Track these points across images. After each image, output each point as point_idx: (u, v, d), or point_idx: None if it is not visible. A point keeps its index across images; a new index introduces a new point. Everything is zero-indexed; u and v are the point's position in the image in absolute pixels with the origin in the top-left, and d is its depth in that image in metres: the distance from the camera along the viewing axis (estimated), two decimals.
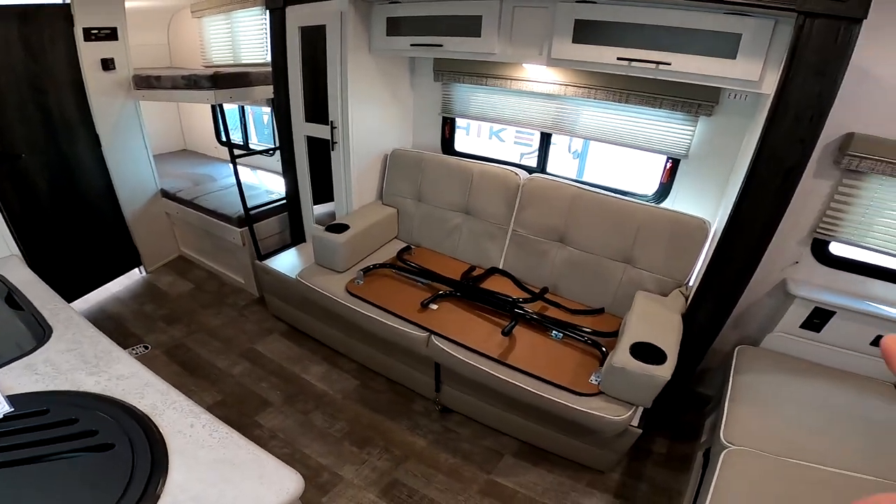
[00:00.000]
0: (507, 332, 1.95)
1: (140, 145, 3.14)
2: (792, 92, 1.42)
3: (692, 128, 2.08)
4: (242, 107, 3.78)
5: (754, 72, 1.55)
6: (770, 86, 1.52)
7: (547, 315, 2.16)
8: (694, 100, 1.98)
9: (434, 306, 2.16)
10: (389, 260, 2.54)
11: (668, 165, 2.23)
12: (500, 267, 2.51)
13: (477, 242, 2.58)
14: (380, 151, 2.78)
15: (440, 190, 2.64)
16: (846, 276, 1.95)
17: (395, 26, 2.26)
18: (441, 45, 2.13)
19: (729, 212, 1.65)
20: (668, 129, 2.14)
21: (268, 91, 2.77)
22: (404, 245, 2.75)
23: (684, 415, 2.32)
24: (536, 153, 2.70)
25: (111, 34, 2.79)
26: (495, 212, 2.49)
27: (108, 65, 2.82)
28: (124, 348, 1.25)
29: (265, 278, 2.83)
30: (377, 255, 2.64)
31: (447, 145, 2.93)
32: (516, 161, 2.80)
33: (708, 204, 2.13)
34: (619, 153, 4.73)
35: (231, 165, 2.71)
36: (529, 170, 2.61)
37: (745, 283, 1.70)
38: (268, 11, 2.49)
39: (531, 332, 2.03)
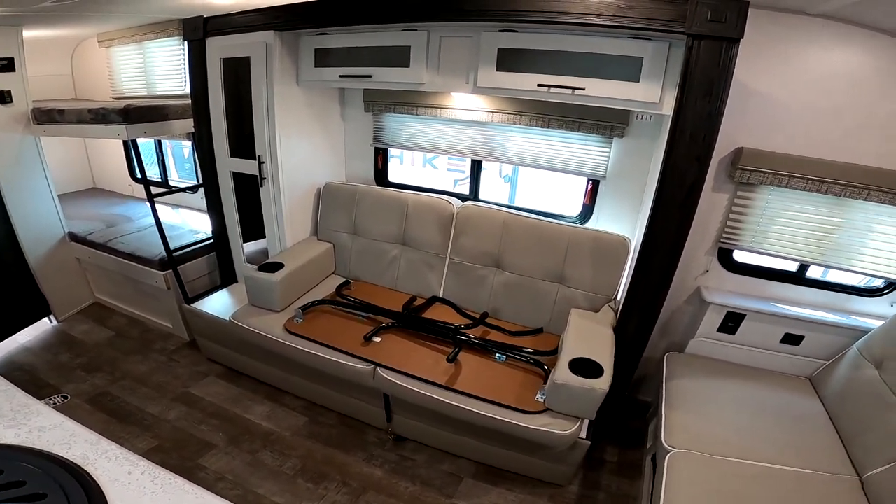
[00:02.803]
0: (451, 359, 1.96)
1: (42, 185, 2.86)
2: (686, 112, 1.54)
3: (608, 149, 2.24)
4: (159, 140, 3.57)
5: (655, 94, 1.68)
6: (669, 107, 1.63)
7: (489, 339, 2.19)
8: (607, 122, 2.14)
9: (377, 339, 2.13)
10: (328, 296, 2.48)
11: (590, 187, 2.38)
12: (441, 295, 2.52)
13: (416, 273, 2.57)
14: (312, 186, 2.73)
15: (376, 222, 2.63)
16: (751, 281, 2.16)
17: (324, 57, 2.25)
18: (370, 76, 2.14)
19: (644, 228, 1.78)
20: (587, 151, 2.29)
21: (188, 125, 2.64)
22: (343, 280, 2.69)
23: (629, 422, 2.41)
24: (469, 180, 2.78)
25: (7, 65, 2.57)
26: (431, 241, 2.51)
27: (3, 98, 2.59)
28: (40, 399, 1.12)
29: (196, 322, 2.65)
30: (315, 291, 2.57)
31: (380, 176, 2.93)
32: (450, 188, 2.85)
33: (627, 221, 2.29)
34: (546, 177, 4.99)
35: (148, 204, 2.53)
36: (462, 197, 2.68)
37: (665, 294, 1.82)
38: (186, 42, 2.41)
39: (475, 356, 2.06)
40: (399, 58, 2.05)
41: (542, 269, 2.27)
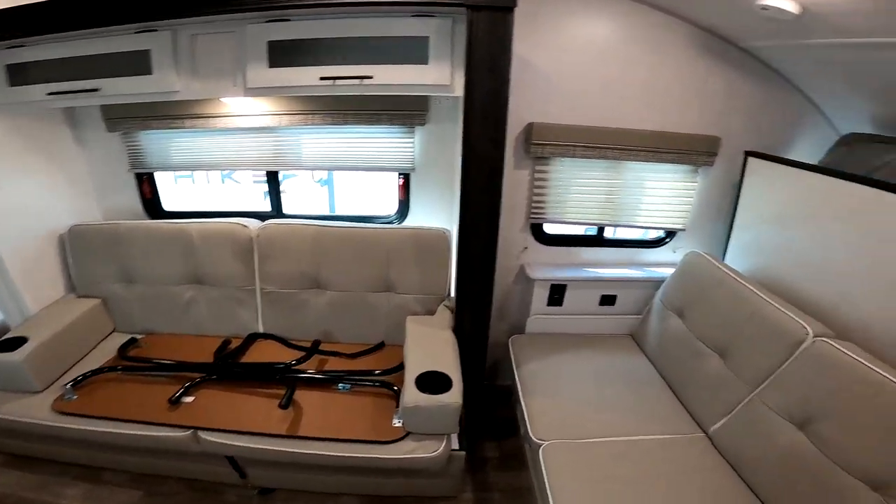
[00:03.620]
0: (285, 404, 1.67)
1: None
2: (475, 91, 1.48)
3: (412, 140, 2.12)
4: None
5: (445, 75, 1.60)
6: (461, 88, 1.55)
7: (327, 370, 1.93)
8: (407, 111, 2.01)
9: (188, 398, 1.77)
10: (109, 361, 1.96)
11: (402, 182, 2.24)
12: (261, 331, 2.14)
13: (223, 312, 2.14)
14: (49, 233, 2.06)
15: (155, 263, 2.11)
16: (563, 251, 2.27)
17: (22, 73, 1.73)
18: (98, 89, 1.69)
19: (458, 216, 1.69)
20: (391, 144, 2.13)
21: None
22: (128, 338, 2.11)
23: (498, 411, 2.34)
24: (268, 194, 2.41)
25: None
26: (232, 273, 2.10)
27: None
28: None
29: None
30: (91, 358, 2.01)
31: (152, 207, 2.36)
32: (261, 202, 2.44)
33: (445, 212, 2.21)
34: (362, 177, 4.79)
35: None
36: (263, 216, 2.29)
37: (491, 281, 1.77)
38: None
39: (316, 392, 1.81)
40: (137, 64, 1.65)
41: (366, 279, 2.06)
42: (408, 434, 1.61)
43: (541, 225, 2.21)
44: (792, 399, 1.42)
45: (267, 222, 2.12)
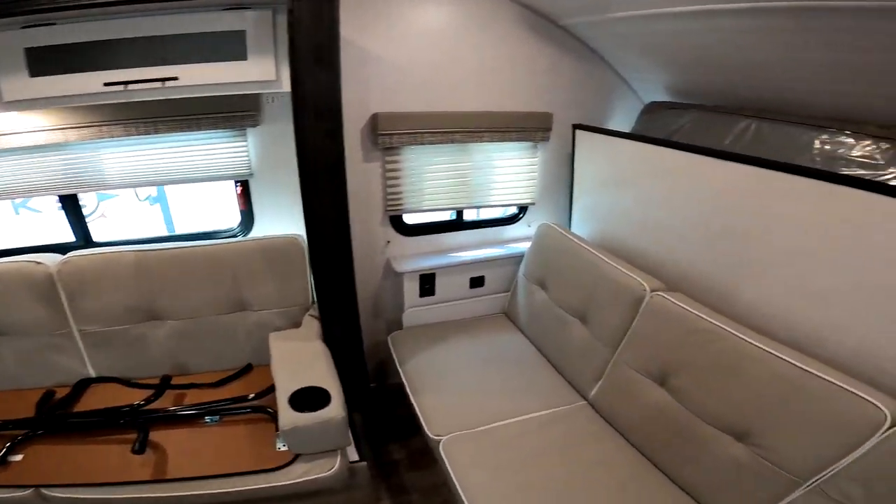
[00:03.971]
0: (139, 449, 1.44)
1: None
2: (304, 84, 1.37)
3: (244, 143, 1.91)
4: None
5: (269, 70, 1.48)
6: (288, 82, 1.44)
7: (188, 404, 1.71)
8: (234, 112, 1.80)
9: (16, 457, 1.49)
10: None
11: (240, 190, 2.02)
12: (94, 375, 1.82)
13: (38, 363, 1.77)
14: None
15: None
16: (427, 239, 2.26)
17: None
18: None
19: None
20: (220, 150, 1.90)
21: None
22: None
23: (397, 410, 2.20)
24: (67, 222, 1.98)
25: None
26: (34, 320, 1.71)
27: None
28: None
29: None
30: None
31: None
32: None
33: (295, 217, 2.03)
34: (204, 189, 4.28)
35: None
36: (64, 247, 1.89)
37: (352, 280, 1.69)
38: None
39: (180, 430, 1.61)
40: None
41: (213, 301, 1.83)
42: (297, 457, 1.48)
43: (401, 216, 2.17)
44: (646, 356, 1.57)
45: (68, 255, 1.75)
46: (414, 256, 2.20)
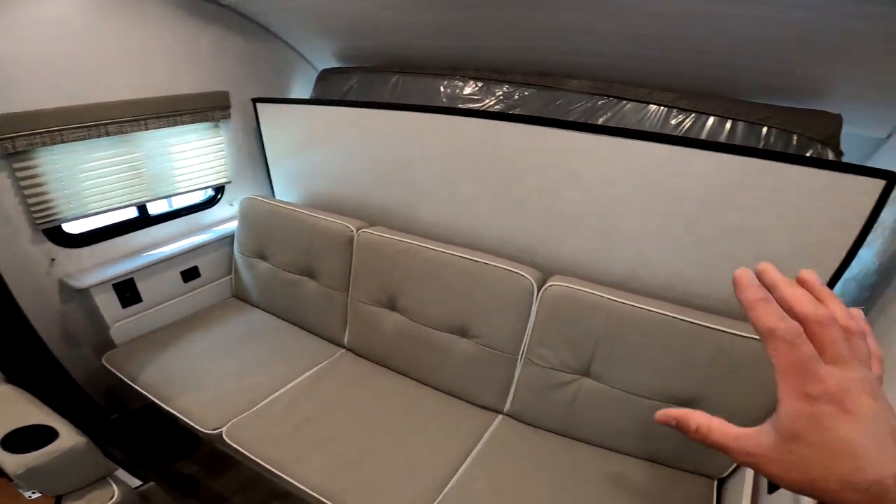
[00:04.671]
0: None
1: None
2: None
3: None
4: None
5: None
6: None
7: None
8: None
9: None
10: None
11: None
12: None
13: None
14: None
15: None
16: (110, 244, 1.94)
17: None
18: None
19: None
20: None
21: None
22: None
23: (160, 429, 2.00)
24: None
25: None
26: None
27: None
28: None
29: None
30: None
31: None
32: None
33: None
34: None
35: None
36: None
37: (19, 313, 1.34)
38: None
39: None
40: None
41: None
42: (60, 498, 1.26)
43: (58, 228, 1.79)
44: (372, 288, 1.79)
45: None
46: (97, 267, 1.88)
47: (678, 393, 1.33)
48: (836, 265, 1.20)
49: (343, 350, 1.92)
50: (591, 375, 1.45)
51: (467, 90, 1.97)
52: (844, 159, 1.32)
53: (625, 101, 1.68)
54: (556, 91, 1.80)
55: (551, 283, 1.47)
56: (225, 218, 2.31)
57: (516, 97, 1.87)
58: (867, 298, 1.31)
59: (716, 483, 1.37)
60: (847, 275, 1.26)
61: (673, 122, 1.59)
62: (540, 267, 1.63)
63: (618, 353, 1.38)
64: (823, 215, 1.16)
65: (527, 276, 1.50)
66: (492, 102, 1.90)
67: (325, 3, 1.87)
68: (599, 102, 1.72)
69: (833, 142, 1.28)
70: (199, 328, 2.01)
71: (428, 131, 1.76)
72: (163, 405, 1.64)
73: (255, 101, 2.17)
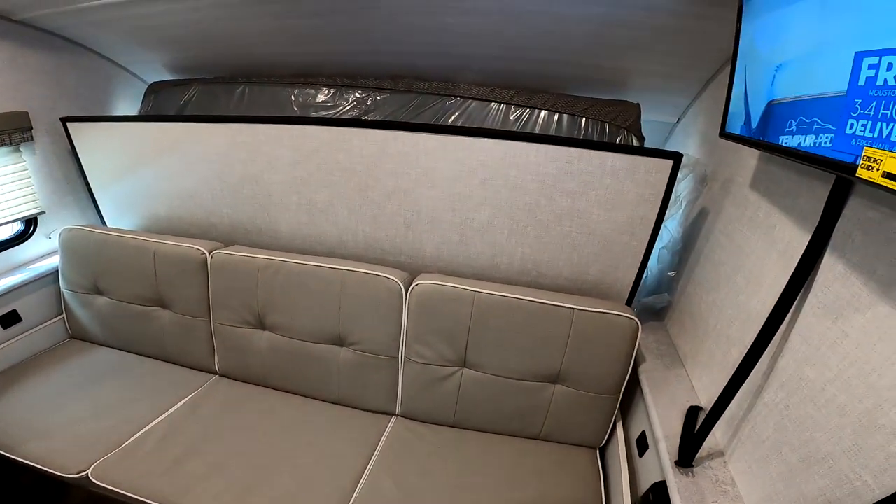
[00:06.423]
0: None
1: None
2: None
3: None
4: None
5: None
6: None
7: None
8: None
9: None
10: None
11: None
12: None
13: None
14: None
15: None
16: None
17: None
18: None
19: None
20: None
21: None
22: None
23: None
24: None
25: None
26: None
27: None
28: None
29: None
30: None
31: None
32: None
33: None
34: None
35: None
36: None
37: None
38: None
39: None
40: None
41: None
42: None
43: None
44: (235, 309, 1.68)
45: None
46: None
47: (544, 371, 1.43)
48: (648, 235, 1.38)
49: (216, 376, 1.79)
50: (468, 366, 1.50)
51: (320, 97, 1.92)
52: (647, 144, 1.53)
53: (470, 101, 1.78)
54: (409, 94, 1.84)
55: (418, 282, 1.49)
56: (43, 253, 1.98)
57: (370, 102, 1.87)
58: (677, 263, 1.54)
59: (598, 452, 1.51)
60: (659, 244, 1.47)
61: (512, 117, 1.72)
62: (408, 267, 1.65)
63: (488, 341, 1.45)
64: (631, 194, 1.34)
65: (393, 277, 1.50)
66: (346, 108, 1.88)
67: (140, 15, 1.69)
68: (448, 102, 1.79)
69: (636, 128, 1.48)
70: (35, 374, 1.72)
71: (276, 142, 1.67)
72: (7, 455, 1.43)
73: (63, 120, 1.87)
